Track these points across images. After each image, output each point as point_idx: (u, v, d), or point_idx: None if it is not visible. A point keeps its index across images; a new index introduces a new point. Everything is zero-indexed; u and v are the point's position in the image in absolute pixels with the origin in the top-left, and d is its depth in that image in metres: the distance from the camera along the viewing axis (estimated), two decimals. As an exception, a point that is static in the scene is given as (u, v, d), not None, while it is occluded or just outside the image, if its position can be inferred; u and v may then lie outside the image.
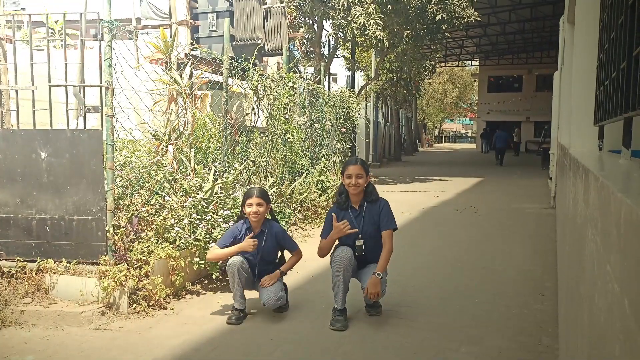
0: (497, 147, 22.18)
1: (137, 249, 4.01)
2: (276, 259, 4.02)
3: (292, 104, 7.52)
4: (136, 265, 3.94)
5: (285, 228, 5.56)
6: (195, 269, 4.39)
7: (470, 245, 6.39)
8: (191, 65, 5.45)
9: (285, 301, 3.94)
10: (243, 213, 3.89)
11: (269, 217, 4.00)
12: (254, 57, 6.52)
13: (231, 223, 4.61)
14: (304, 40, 17.66)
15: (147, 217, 4.30)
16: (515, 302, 4.21)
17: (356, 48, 18.80)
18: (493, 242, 6.63)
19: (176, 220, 4.35)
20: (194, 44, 6.21)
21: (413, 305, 4.05)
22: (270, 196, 4.18)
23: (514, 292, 4.50)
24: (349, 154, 10.89)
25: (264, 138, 6.78)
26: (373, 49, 15.42)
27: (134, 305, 3.87)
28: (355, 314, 3.90)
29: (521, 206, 9.73)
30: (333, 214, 3.78)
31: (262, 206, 3.81)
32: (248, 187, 4.30)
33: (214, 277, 4.45)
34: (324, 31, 17.33)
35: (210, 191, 4.76)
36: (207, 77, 6.51)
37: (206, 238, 4.35)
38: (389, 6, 12.94)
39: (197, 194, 4.62)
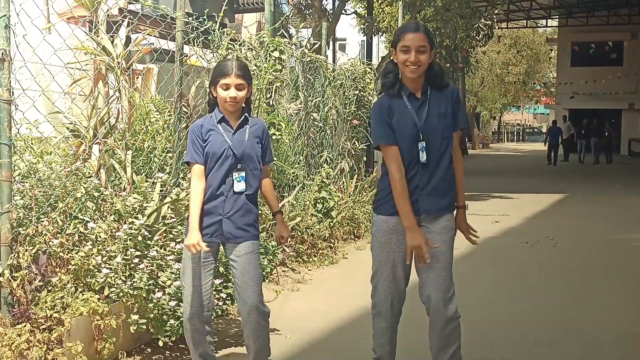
0: (550, 144, 27.86)
1: (46, 302, 3.99)
2: (258, 165, 3.95)
3: (278, 84, 7.55)
4: (44, 326, 3.92)
5: (270, 269, 5.54)
6: (133, 331, 4.37)
7: (547, 296, 6.36)
8: (128, 26, 5.47)
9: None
10: (212, 97, 3.91)
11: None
12: (221, 14, 6.55)
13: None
14: (297, -11, 17.76)
15: (62, 254, 4.29)
16: (615, 381, 4.18)
17: (375, 0, 18.92)
18: (582, 291, 6.61)
19: (104, 259, 4.34)
20: (132, -5, 6.24)
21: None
22: None
23: (614, 366, 4.49)
24: (364, 158, 10.88)
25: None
26: (400, 2, 15.51)
27: (41, 387, 3.84)
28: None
29: (623, 237, 9.73)
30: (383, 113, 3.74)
31: (244, 89, 3.81)
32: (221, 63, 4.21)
33: (160, 344, 4.43)
34: (326, -25, 17.41)
35: (155, 214, 4.75)
36: (152, 44, 6.53)
37: (149, 285, 4.34)
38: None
39: (136, 218, 4.62)
